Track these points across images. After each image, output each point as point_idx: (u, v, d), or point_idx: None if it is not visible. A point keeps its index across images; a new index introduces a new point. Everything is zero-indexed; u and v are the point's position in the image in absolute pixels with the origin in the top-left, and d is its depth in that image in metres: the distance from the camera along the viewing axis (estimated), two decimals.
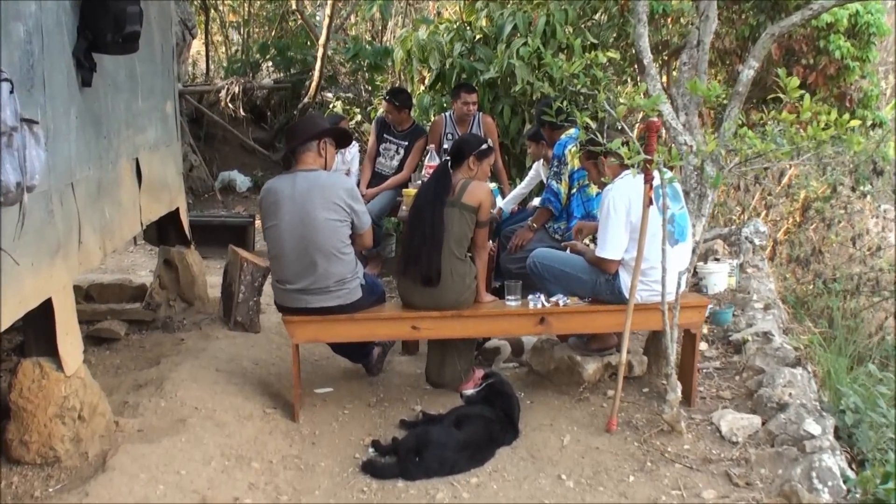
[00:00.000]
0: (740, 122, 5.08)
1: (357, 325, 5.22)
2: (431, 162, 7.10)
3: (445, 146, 8.15)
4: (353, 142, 8.81)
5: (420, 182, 7.26)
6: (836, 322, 9.81)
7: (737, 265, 8.08)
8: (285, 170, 5.21)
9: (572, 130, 6.53)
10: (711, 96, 4.73)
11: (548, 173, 6.75)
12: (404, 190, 6.95)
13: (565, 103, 5.21)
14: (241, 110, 12.32)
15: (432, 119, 8.84)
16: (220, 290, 6.74)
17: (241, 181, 12.02)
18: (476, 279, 5.35)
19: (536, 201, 7.59)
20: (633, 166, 4.44)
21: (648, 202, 4.69)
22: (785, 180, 12.68)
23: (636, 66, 9.57)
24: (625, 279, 5.18)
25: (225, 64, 13.83)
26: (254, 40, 14.11)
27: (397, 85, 9.64)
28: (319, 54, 11.86)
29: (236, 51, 14.35)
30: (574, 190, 6.52)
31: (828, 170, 13.18)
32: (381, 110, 9.49)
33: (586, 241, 5.97)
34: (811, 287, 11.18)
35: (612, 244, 5.12)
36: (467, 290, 5.28)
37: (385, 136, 8.73)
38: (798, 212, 12.37)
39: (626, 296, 5.16)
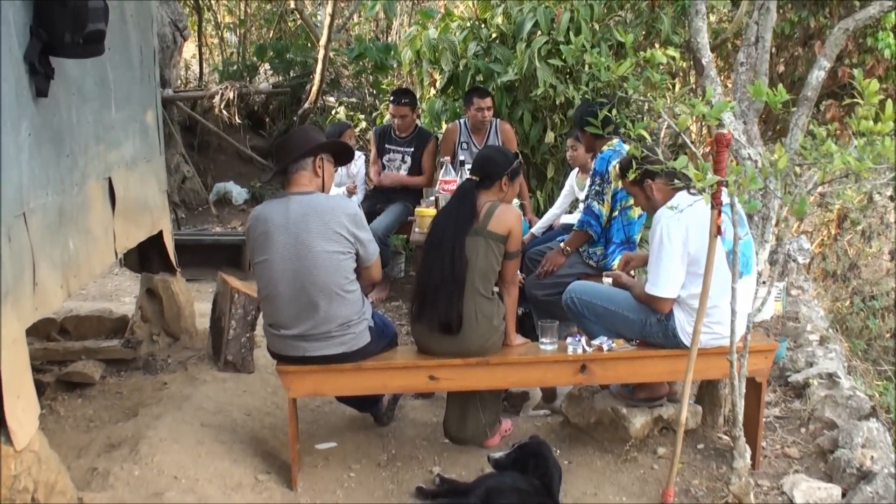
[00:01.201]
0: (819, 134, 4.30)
1: (365, 376, 4.44)
2: (447, 177, 6.31)
3: (462, 158, 7.36)
4: (359, 153, 8.04)
5: (433, 199, 6.50)
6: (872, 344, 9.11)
7: (783, 288, 7.30)
8: (280, 186, 4.45)
9: (615, 142, 5.77)
10: (778, 102, 3.94)
11: (586, 190, 5.95)
12: (417, 210, 6.13)
13: (614, 112, 4.39)
14: (237, 117, 11.53)
15: (444, 126, 8.05)
16: (209, 324, 5.95)
17: (238, 193, 11.22)
18: (504, 320, 4.56)
19: (566, 218, 6.82)
20: (702, 191, 3.65)
21: (717, 231, 3.90)
22: (818, 189, 11.88)
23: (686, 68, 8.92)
24: (680, 320, 4.41)
25: (220, 67, 13.04)
26: (251, 42, 13.32)
27: (405, 88, 8.91)
28: (320, 56, 11.06)
29: (232, 53, 13.57)
30: (616, 212, 5.75)
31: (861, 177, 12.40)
32: (386, 117, 8.74)
33: (632, 272, 5.18)
34: (847, 304, 10.43)
35: (667, 280, 4.35)
36: (494, 333, 4.50)
37: (387, 146, 8.00)
38: (834, 223, 11.59)
39: (683, 339, 4.41)
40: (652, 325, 4.48)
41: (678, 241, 4.30)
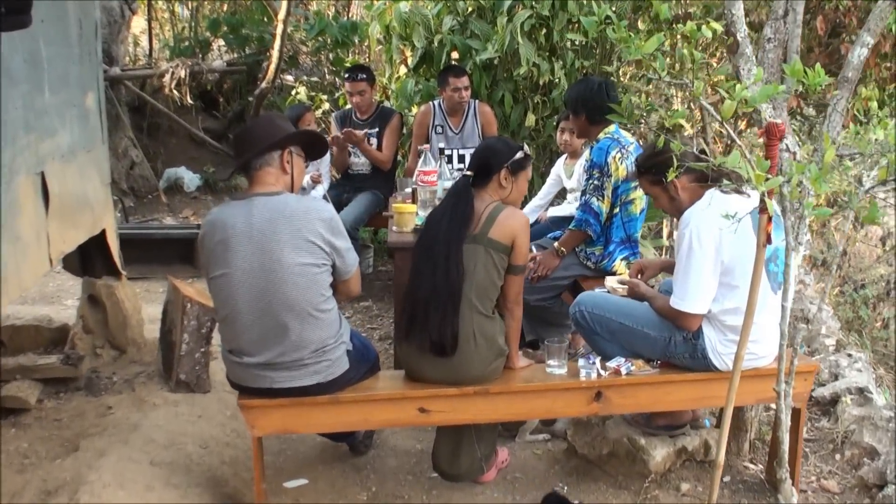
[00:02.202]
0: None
1: (342, 410, 3.78)
2: (426, 166, 5.60)
3: (440, 145, 6.68)
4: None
5: (410, 191, 5.82)
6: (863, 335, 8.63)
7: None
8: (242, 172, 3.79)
9: (612, 128, 5.14)
10: (817, 84, 3.31)
11: (583, 184, 5.30)
12: (395, 206, 5.42)
13: (643, 97, 3.71)
14: (188, 97, 10.74)
15: (417, 109, 7.35)
16: (159, 337, 5.25)
17: (190, 179, 10.43)
18: (508, 343, 3.91)
19: (555, 211, 6.16)
20: (764, 196, 3.01)
21: (767, 239, 3.26)
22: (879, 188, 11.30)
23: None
24: (711, 338, 3.80)
25: (171, 44, 12.21)
26: (203, 16, 12.50)
27: (371, 67, 8.14)
28: (278, 31, 10.26)
29: (183, 28, 12.72)
30: (616, 208, 5.14)
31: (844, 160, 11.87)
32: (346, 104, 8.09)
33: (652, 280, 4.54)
34: (835, 293, 9.89)
35: (696, 293, 3.72)
36: (496, 357, 3.85)
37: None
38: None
39: (713, 360, 3.82)
40: (677, 345, 3.86)
41: (710, 248, 3.67)
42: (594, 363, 3.88)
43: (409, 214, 5.14)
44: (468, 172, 3.95)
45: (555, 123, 7.04)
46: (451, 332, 3.72)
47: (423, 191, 5.53)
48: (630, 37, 3.25)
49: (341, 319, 3.79)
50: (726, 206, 3.60)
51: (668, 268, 4.36)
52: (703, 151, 3.81)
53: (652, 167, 3.93)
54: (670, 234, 7.97)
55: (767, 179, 2.99)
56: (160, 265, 7.49)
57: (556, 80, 7.16)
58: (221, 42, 12.11)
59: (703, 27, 3.21)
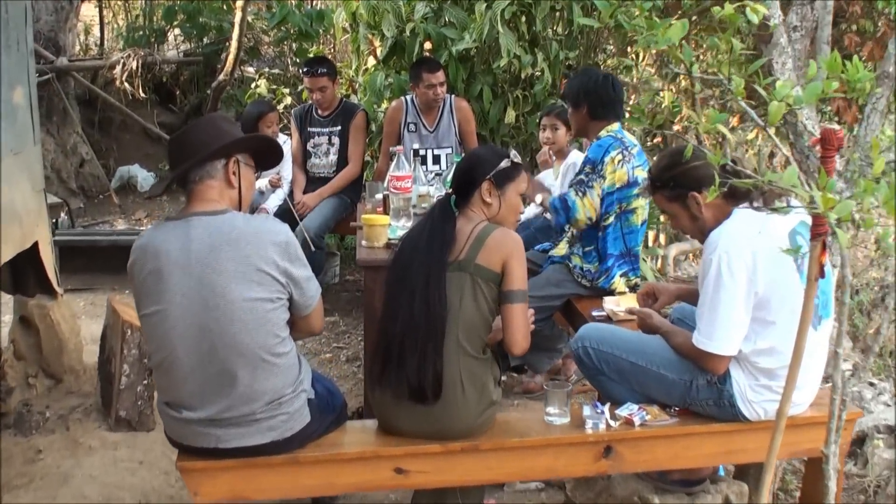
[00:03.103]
0: None
1: (303, 473, 3.17)
2: (399, 171, 4.97)
3: (416, 146, 6.08)
4: (284, 136, 6.72)
5: (380, 197, 5.22)
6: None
7: None
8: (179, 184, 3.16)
9: (615, 127, 4.62)
10: (858, 81, 2.74)
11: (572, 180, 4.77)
12: (364, 217, 4.79)
13: (666, 96, 3.07)
14: (141, 90, 10.04)
15: (388, 105, 6.73)
16: (97, 365, 4.63)
17: (144, 178, 9.72)
18: (499, 384, 3.33)
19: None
20: (840, 223, 2.41)
21: (820, 272, 2.67)
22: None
23: None
24: (740, 383, 3.23)
25: (124, 33, 11.50)
26: (159, 4, 11.78)
27: (336, 59, 7.48)
28: (237, 19, 9.56)
29: (137, 16, 12.00)
30: (611, 217, 4.59)
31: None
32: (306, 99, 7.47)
33: (667, 309, 3.94)
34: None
35: (726, 331, 3.14)
36: (487, 406, 3.24)
37: (310, 129, 6.68)
38: None
39: (743, 409, 3.26)
40: (700, 390, 3.28)
41: (742, 277, 3.09)
42: (602, 412, 3.30)
43: (380, 227, 4.51)
44: (448, 191, 3.38)
45: (537, 120, 6.49)
46: (434, 375, 3.11)
47: (395, 198, 4.91)
48: (654, 22, 2.66)
49: (301, 363, 3.18)
50: (760, 226, 3.04)
51: (686, 296, 3.78)
52: (734, 162, 3.23)
53: (670, 181, 3.33)
54: (668, 240, 7.43)
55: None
56: (107, 275, 6.89)
57: (539, 74, 6.59)
58: (178, 31, 11.42)
59: (748, 10, 2.60)
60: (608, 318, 4.30)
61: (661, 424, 3.30)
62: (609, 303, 4.38)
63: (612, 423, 3.27)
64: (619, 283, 4.64)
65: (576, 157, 5.26)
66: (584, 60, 7.00)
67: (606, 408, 3.33)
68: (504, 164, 3.36)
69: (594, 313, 4.37)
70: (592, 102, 4.66)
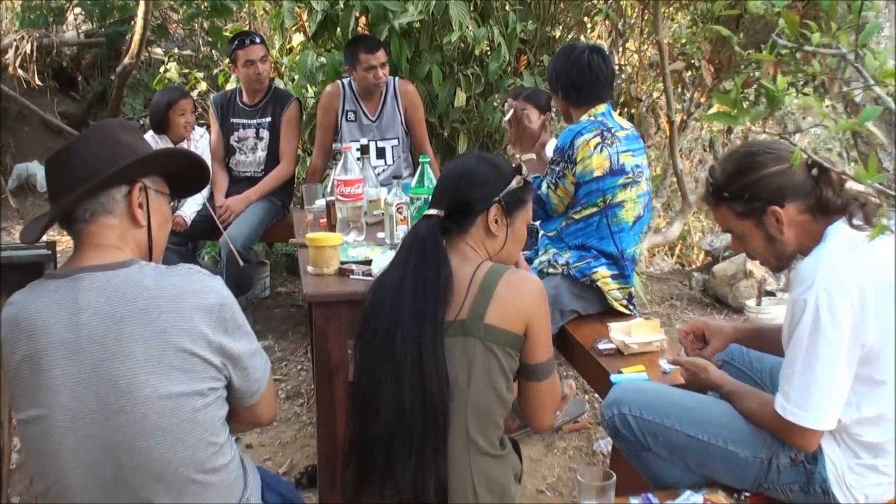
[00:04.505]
0: None
1: None
2: (347, 173, 4.02)
3: (361, 142, 5.17)
4: (201, 129, 5.72)
5: (323, 205, 4.32)
6: None
7: None
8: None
9: (601, 108, 3.96)
10: None
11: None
12: (309, 236, 3.73)
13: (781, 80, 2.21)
14: (37, 77, 8.97)
15: (321, 90, 5.78)
16: None
17: (43, 177, 8.69)
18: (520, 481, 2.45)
19: None
20: None
21: None
22: None
23: None
24: (836, 462, 2.43)
25: (19, 12, 10.39)
26: None
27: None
28: None
29: None
30: (591, 210, 3.89)
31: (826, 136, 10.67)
32: (230, 83, 6.50)
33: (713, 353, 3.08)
34: None
35: (824, 398, 2.32)
36: None
37: (233, 120, 5.68)
38: None
39: (839, 495, 2.43)
40: (781, 471, 2.45)
41: (847, 325, 2.27)
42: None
43: (330, 249, 3.50)
44: (432, 212, 2.47)
45: (494, 104, 5.66)
46: (437, 486, 2.21)
47: (343, 207, 3.99)
48: None
49: (246, 471, 2.27)
50: (863, 252, 2.21)
51: (746, 338, 2.95)
52: (814, 165, 2.40)
53: (743, 191, 2.48)
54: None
55: None
56: (5, 295, 5.82)
57: (489, 50, 5.74)
58: (78, 10, 10.32)
59: None
60: (618, 352, 3.48)
61: None
62: (617, 331, 3.55)
63: None
64: (603, 275, 3.93)
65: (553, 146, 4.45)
66: (541, 33, 6.16)
67: (653, 496, 2.49)
68: (515, 182, 2.48)
69: (599, 346, 3.54)
70: (564, 87, 4.02)
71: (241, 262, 4.95)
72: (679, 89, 7.20)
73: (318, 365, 3.37)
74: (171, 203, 2.36)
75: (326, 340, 3.29)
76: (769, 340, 2.86)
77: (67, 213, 2.13)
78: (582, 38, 7.11)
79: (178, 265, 2.14)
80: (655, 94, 7.62)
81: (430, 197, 2.59)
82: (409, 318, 2.26)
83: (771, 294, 5.42)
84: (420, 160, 3.87)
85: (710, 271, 6.31)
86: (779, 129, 10.31)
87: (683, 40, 7.56)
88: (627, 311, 4.00)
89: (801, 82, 7.49)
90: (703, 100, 7.49)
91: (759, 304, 5.33)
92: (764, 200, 2.44)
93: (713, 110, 8.96)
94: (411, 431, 2.22)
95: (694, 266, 7.66)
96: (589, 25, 7.09)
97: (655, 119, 7.76)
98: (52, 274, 2.10)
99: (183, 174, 2.34)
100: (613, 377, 3.24)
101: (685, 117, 7.38)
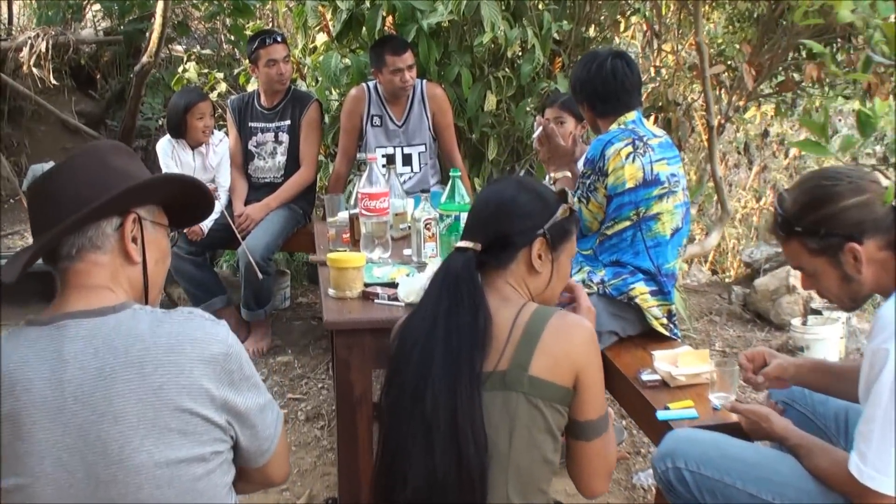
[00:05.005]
0: None
1: None
2: (372, 187, 3.75)
3: (385, 150, 4.92)
4: (220, 133, 5.49)
5: (345, 217, 4.08)
6: None
7: (845, 319, 5.14)
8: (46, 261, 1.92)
9: (631, 116, 3.70)
10: None
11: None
12: (330, 255, 3.45)
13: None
14: (52, 74, 8.76)
15: (346, 93, 5.51)
16: None
17: None
18: None
19: None
20: None
21: None
22: (794, 151, 9.78)
23: None
24: None
25: (36, 10, 10.19)
26: None
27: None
28: None
29: None
30: (624, 225, 3.63)
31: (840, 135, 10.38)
32: (251, 84, 6.26)
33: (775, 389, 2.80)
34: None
35: None
36: None
37: (251, 124, 5.45)
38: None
39: None
40: None
41: None
42: None
43: (353, 270, 3.24)
44: (467, 244, 2.19)
45: (527, 108, 5.39)
46: None
47: (367, 223, 3.73)
48: None
49: None
50: None
51: (809, 375, 2.68)
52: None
53: (818, 225, 2.21)
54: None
55: None
56: (15, 306, 5.56)
57: (520, 52, 5.48)
58: (97, 7, 10.11)
59: None
60: (663, 384, 3.21)
61: None
62: (662, 361, 3.27)
63: None
64: (641, 291, 3.65)
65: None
66: (576, 34, 5.89)
67: None
68: (560, 213, 2.21)
69: (643, 377, 3.25)
70: (589, 97, 3.76)
71: (260, 275, 4.72)
72: (717, 91, 6.92)
73: (339, 397, 3.11)
74: (172, 234, 2.09)
75: (349, 371, 3.03)
76: (835, 380, 2.59)
77: (51, 249, 1.86)
78: (616, 39, 6.87)
79: (178, 309, 1.86)
80: (691, 97, 7.36)
81: (464, 221, 2.32)
82: (442, 369, 1.99)
83: (817, 312, 5.12)
84: (451, 174, 3.58)
85: (750, 285, 6.01)
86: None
87: (720, 41, 7.30)
88: (668, 334, 3.72)
89: (842, 85, 7.23)
90: (741, 103, 7.22)
91: (804, 322, 5.03)
92: (841, 236, 2.17)
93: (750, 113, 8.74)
94: (445, 501, 1.95)
95: (729, 276, 7.38)
96: (623, 25, 6.83)
97: (690, 123, 7.50)
98: (33, 320, 1.82)
99: (184, 202, 2.07)
100: (660, 414, 2.97)
101: (723, 121, 7.11)
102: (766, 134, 9.75)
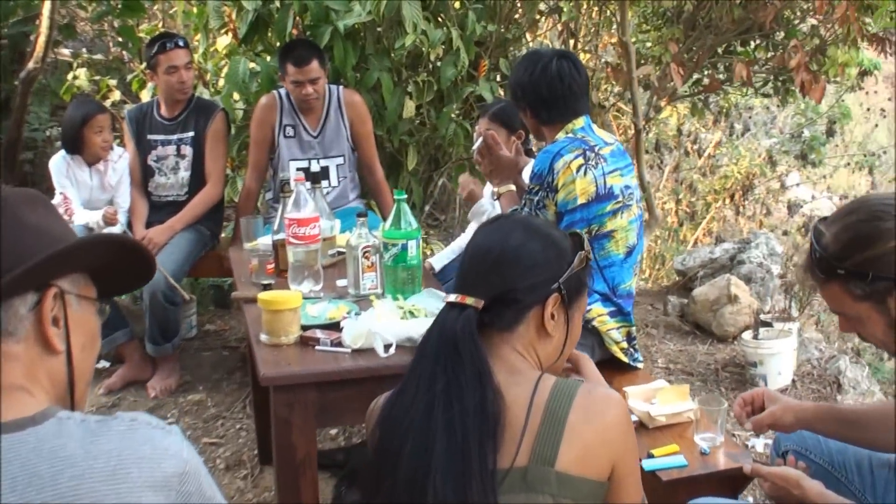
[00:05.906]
0: None
1: None
2: (299, 211, 3.32)
3: (299, 163, 4.50)
4: (120, 149, 4.99)
5: (269, 245, 3.65)
6: None
7: (797, 330, 4.90)
8: None
9: (580, 123, 3.41)
10: None
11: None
12: (262, 296, 2.94)
13: None
14: None
15: (255, 101, 5.05)
16: None
17: None
18: None
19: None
20: None
21: None
22: (709, 150, 9.65)
23: None
24: None
25: None
26: None
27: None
28: None
29: None
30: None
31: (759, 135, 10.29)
32: (145, 94, 5.78)
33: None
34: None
35: None
36: None
37: (150, 137, 4.94)
38: (728, 193, 9.38)
39: None
40: None
41: None
42: None
43: (289, 312, 2.78)
44: (467, 300, 1.76)
45: (452, 114, 5.05)
46: None
47: (296, 251, 3.29)
48: None
49: None
50: None
51: (817, 421, 2.34)
52: None
53: (863, 268, 1.87)
54: None
55: None
56: None
57: (451, 51, 5.12)
58: None
59: None
60: (641, 425, 2.88)
61: None
62: (636, 398, 2.95)
63: None
64: (599, 313, 3.35)
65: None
66: (496, 36, 5.56)
67: None
68: (577, 262, 1.83)
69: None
70: (533, 104, 3.44)
71: (168, 304, 4.29)
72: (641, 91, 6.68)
73: (280, 463, 2.66)
74: (101, 307, 1.61)
75: (290, 432, 2.59)
76: (849, 429, 2.27)
77: None
78: (533, 40, 6.59)
79: (116, 416, 1.40)
80: (612, 99, 7.12)
81: (456, 274, 1.89)
82: (445, 470, 1.58)
83: (768, 325, 4.85)
84: (395, 197, 3.16)
85: (687, 294, 5.73)
86: (727, 130, 9.94)
87: (635, 40, 7.05)
88: (628, 360, 3.40)
89: (760, 83, 7.07)
90: (662, 103, 6.99)
91: (756, 336, 4.76)
92: (891, 280, 1.83)
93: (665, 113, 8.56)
94: None
95: (659, 284, 7.15)
96: (543, 25, 6.54)
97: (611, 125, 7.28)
98: None
99: (117, 266, 1.60)
100: (646, 464, 2.63)
101: (644, 122, 6.87)
102: (680, 133, 9.62)
